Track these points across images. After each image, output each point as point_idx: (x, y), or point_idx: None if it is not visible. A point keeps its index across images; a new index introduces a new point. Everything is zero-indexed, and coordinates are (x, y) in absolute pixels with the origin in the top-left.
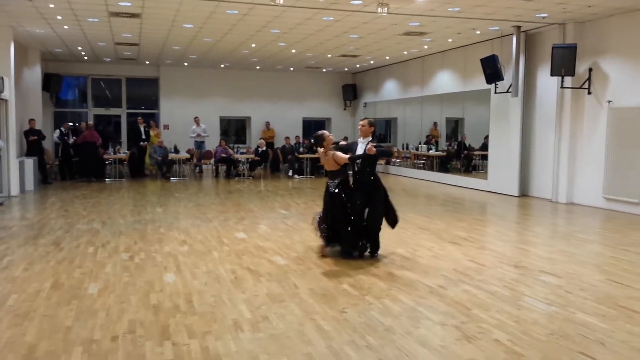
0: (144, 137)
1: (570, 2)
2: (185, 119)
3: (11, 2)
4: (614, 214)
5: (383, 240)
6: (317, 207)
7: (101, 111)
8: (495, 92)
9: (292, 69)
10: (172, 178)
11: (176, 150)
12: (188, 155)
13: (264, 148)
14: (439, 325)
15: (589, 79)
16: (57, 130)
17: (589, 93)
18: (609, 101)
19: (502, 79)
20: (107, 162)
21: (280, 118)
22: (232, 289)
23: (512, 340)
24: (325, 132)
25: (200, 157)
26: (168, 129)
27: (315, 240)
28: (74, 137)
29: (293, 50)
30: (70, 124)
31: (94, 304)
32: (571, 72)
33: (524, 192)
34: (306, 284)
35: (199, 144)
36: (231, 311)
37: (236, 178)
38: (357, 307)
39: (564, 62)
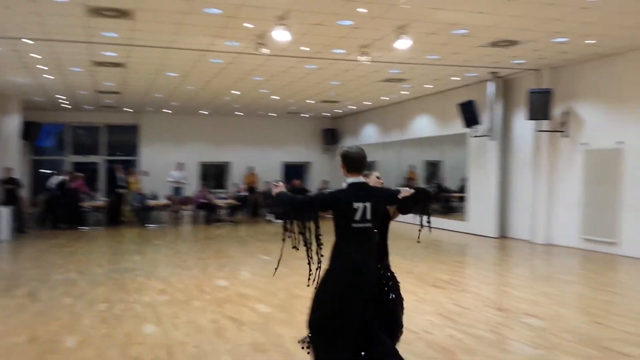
0: (122, 184)
1: (546, 49)
2: (166, 164)
3: None
4: (592, 254)
5: None
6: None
7: (79, 158)
8: (473, 136)
9: (272, 114)
10: (150, 225)
11: (154, 197)
12: (167, 202)
13: (245, 193)
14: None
15: (564, 122)
16: (56, 177)
17: (565, 136)
18: (584, 143)
19: (480, 123)
20: (85, 210)
21: (260, 162)
22: (214, 339)
23: None
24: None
25: (179, 203)
26: (148, 175)
27: (299, 286)
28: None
29: (275, 97)
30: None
31: (71, 358)
32: (547, 116)
33: (502, 234)
34: (291, 332)
35: (177, 190)
36: None
37: (216, 223)
38: None
39: (540, 106)
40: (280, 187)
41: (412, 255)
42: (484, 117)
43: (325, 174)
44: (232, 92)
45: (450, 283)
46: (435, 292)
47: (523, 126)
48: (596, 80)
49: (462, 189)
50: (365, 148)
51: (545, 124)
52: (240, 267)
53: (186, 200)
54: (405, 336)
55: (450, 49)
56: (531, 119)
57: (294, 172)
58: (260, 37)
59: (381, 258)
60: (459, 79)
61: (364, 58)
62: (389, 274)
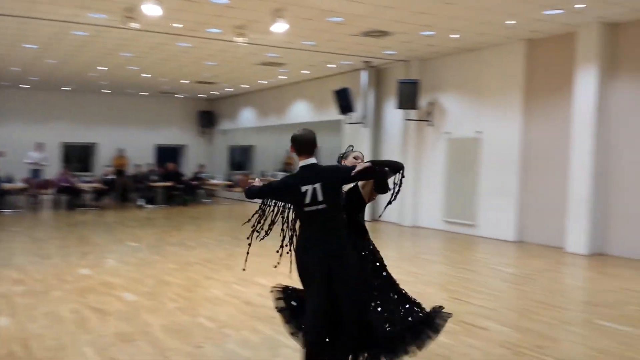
0: None
1: (415, 41)
2: (23, 144)
3: None
4: (454, 235)
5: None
6: (172, 238)
7: None
8: (348, 123)
9: (144, 93)
10: (5, 210)
11: (10, 180)
12: (24, 185)
13: (113, 176)
14: (297, 352)
15: (430, 112)
16: None
17: (430, 125)
18: (447, 132)
19: (354, 111)
20: None
21: (131, 144)
22: (75, 331)
23: None
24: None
25: (37, 187)
26: (4, 155)
27: (172, 273)
28: None
29: (146, 75)
30: None
31: None
32: (414, 106)
33: (373, 217)
34: (159, 320)
35: (35, 172)
36: (75, 355)
37: (80, 209)
38: (214, 341)
39: (408, 96)
40: (257, 183)
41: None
42: (358, 105)
43: (202, 158)
44: (99, 68)
45: None
46: None
47: (393, 115)
48: (459, 73)
49: None
50: (242, 132)
51: (413, 113)
52: (106, 254)
53: (46, 184)
54: (277, 318)
55: (326, 36)
56: (400, 108)
57: (168, 155)
58: (129, 11)
59: (358, 238)
60: (334, 66)
61: (240, 39)
62: (366, 252)
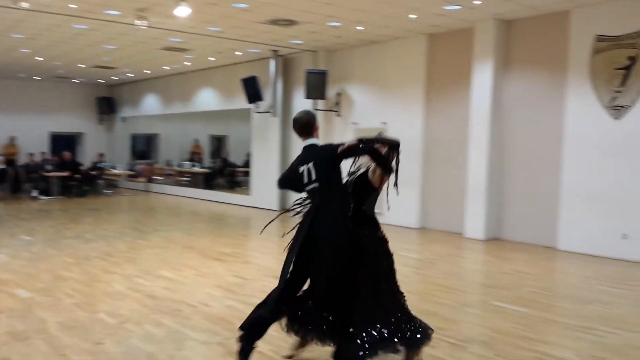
0: None
1: (322, 31)
2: None
3: None
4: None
5: (146, 262)
6: (69, 231)
7: None
8: (257, 112)
9: (37, 77)
10: None
11: None
12: None
13: (3, 165)
14: (203, 344)
15: (337, 102)
16: None
17: (338, 115)
18: (355, 123)
19: (262, 99)
20: None
21: (23, 132)
22: None
23: (275, 350)
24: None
25: None
26: None
27: (69, 268)
28: None
29: (39, 58)
30: None
31: None
32: (322, 96)
33: (284, 206)
34: (55, 316)
35: None
36: None
37: None
38: (115, 337)
39: (316, 86)
40: None
41: (196, 230)
42: (267, 94)
43: (102, 147)
44: None
45: (232, 256)
46: (217, 265)
47: (302, 104)
48: (365, 65)
49: (247, 164)
50: (145, 120)
51: (321, 104)
52: None
53: None
54: (183, 310)
55: (232, 22)
56: (308, 98)
57: (64, 143)
58: None
59: (361, 228)
60: (241, 54)
61: (140, 22)
62: (367, 244)
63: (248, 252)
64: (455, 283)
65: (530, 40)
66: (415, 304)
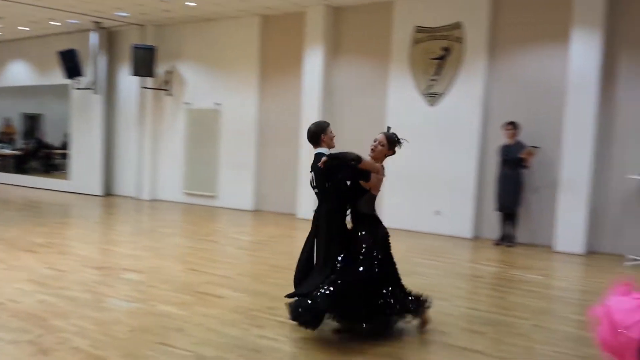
0: None
1: (148, 4)
2: None
3: None
4: (193, 207)
5: None
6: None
7: None
8: (76, 88)
9: None
10: None
11: None
12: None
13: None
14: (11, 344)
15: (168, 80)
16: None
17: (169, 94)
18: (187, 103)
19: (83, 75)
20: None
21: None
22: None
23: (94, 345)
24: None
25: None
26: None
27: None
28: None
29: None
30: None
31: None
32: (151, 73)
33: (108, 192)
34: None
35: None
36: None
37: None
38: None
39: (144, 62)
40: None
41: (5, 219)
42: (88, 69)
43: None
44: None
45: (47, 246)
46: (28, 257)
47: (128, 82)
48: (197, 42)
49: (65, 145)
50: None
51: (150, 81)
52: None
53: None
54: None
55: None
56: (136, 75)
57: None
58: None
59: (356, 223)
60: (59, 24)
61: None
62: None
63: (65, 241)
64: (286, 263)
65: (358, 28)
66: (247, 286)
